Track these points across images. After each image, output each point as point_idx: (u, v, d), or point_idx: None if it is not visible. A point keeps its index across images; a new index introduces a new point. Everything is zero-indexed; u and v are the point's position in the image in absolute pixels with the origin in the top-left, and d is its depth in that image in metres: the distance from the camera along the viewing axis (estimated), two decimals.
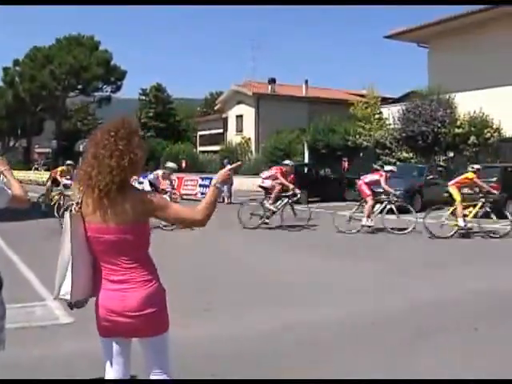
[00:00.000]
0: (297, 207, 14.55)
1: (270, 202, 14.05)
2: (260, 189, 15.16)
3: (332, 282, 7.81)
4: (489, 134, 23.12)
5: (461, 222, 12.36)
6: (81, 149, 46.41)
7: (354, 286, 7.51)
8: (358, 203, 13.78)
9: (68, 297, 2.70)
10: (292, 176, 15.10)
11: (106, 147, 2.62)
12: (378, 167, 15.11)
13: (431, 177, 19.93)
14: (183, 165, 36.64)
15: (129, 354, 2.83)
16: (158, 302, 2.70)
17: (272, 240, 12.39)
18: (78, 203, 2.71)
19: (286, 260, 9.77)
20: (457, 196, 12.52)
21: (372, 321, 5.84)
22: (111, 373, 2.80)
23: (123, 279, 2.66)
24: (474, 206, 12.68)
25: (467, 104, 23.36)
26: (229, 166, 2.92)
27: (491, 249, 11.16)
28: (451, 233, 12.38)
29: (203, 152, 46.13)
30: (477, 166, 13.07)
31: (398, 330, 5.52)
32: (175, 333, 2.90)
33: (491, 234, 12.44)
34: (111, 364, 2.79)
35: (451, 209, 12.71)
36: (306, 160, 30.27)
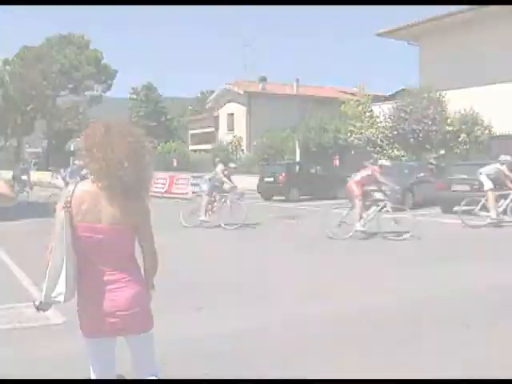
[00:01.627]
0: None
1: None
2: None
3: (328, 281, 7.78)
4: (479, 132, 23.21)
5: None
6: (72, 148, 46.15)
7: (350, 285, 7.50)
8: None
9: (61, 298, 2.65)
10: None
11: (144, 147, 2.73)
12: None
13: (422, 174, 19.97)
14: (174, 163, 36.61)
15: (114, 352, 2.84)
16: (143, 300, 2.74)
17: (262, 239, 12.38)
18: (66, 202, 2.65)
19: (281, 259, 9.78)
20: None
21: (368, 319, 5.83)
22: (98, 372, 2.80)
23: (112, 279, 2.66)
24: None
25: (458, 102, 23.44)
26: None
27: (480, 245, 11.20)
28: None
29: (194, 151, 46.02)
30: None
31: (396, 329, 5.51)
32: (170, 332, 2.89)
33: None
34: (97, 364, 2.79)
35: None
36: (298, 158, 30.29)
